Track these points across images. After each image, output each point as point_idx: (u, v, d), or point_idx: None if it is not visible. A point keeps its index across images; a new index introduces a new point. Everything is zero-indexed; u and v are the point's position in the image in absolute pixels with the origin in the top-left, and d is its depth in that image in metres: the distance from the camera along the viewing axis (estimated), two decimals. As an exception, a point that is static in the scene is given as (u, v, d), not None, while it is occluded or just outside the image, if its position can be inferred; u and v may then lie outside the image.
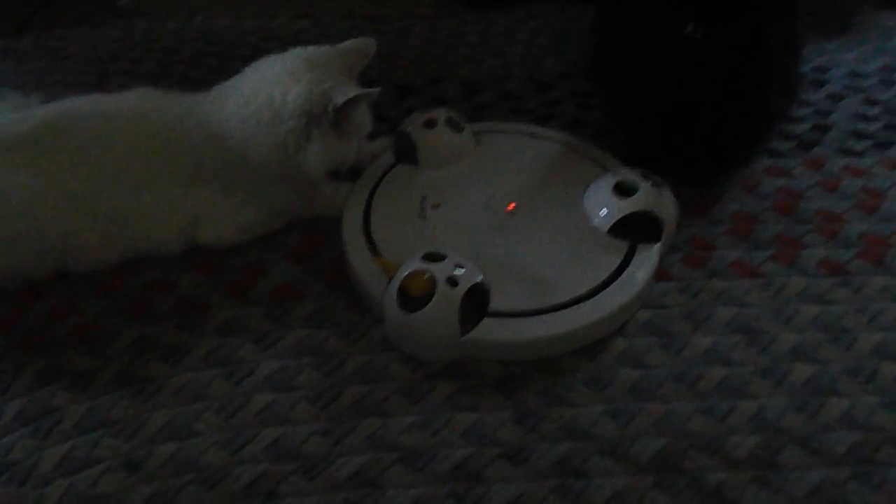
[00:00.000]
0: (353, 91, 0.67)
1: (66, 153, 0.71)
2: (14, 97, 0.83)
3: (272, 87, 0.71)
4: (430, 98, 1.02)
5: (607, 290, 0.70)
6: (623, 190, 0.76)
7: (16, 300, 0.74)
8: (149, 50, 1.11)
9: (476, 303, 0.67)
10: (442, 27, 1.18)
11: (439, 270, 0.67)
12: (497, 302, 0.68)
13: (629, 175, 0.77)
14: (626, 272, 0.72)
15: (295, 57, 0.74)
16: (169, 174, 0.73)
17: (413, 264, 0.68)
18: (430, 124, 0.84)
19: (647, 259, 0.73)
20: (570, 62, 1.08)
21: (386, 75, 1.06)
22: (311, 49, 0.75)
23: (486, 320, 0.67)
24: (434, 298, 0.65)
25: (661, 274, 0.75)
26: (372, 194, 0.81)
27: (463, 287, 0.66)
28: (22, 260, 0.71)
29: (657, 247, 0.74)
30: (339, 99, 0.67)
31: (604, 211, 0.76)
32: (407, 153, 0.84)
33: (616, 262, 0.73)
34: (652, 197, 0.75)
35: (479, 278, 0.68)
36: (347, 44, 0.75)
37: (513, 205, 0.79)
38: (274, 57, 0.75)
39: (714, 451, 0.61)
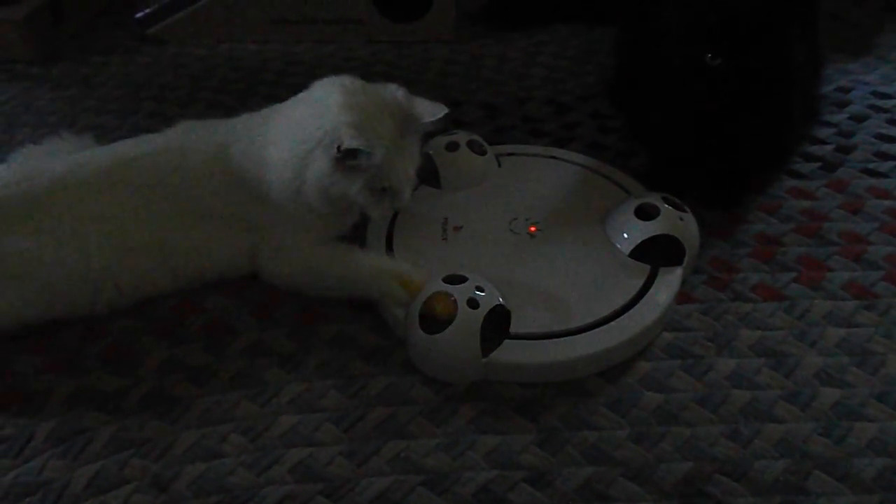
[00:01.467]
0: (362, 143, 0.67)
1: (124, 198, 0.72)
2: (70, 138, 0.84)
3: (312, 111, 0.71)
4: (451, 121, 1.03)
5: (629, 312, 0.70)
6: (644, 213, 0.76)
7: (46, 323, 0.75)
8: (178, 76, 1.14)
9: (497, 325, 0.68)
10: (462, 50, 1.19)
11: (460, 292, 0.67)
12: (519, 324, 0.69)
13: (650, 198, 0.77)
14: (648, 295, 0.72)
15: (356, 91, 0.72)
16: (221, 205, 0.74)
17: (435, 286, 0.68)
18: (453, 147, 0.86)
19: (670, 282, 0.73)
20: (591, 85, 1.09)
21: (408, 99, 1.08)
22: (379, 87, 0.73)
23: (508, 342, 0.68)
24: (455, 320, 0.66)
25: (683, 296, 0.75)
26: (395, 216, 0.82)
27: (484, 309, 0.67)
28: (78, 302, 0.72)
29: (679, 269, 0.74)
30: (346, 142, 0.67)
31: (625, 234, 0.76)
32: (429, 175, 0.86)
33: (638, 284, 0.73)
34: (673, 220, 0.75)
35: (500, 300, 0.68)
36: (419, 101, 0.73)
37: (534, 227, 0.79)
38: (343, 83, 0.73)
39: (740, 476, 0.61)
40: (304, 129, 0.70)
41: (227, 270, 0.77)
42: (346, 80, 0.73)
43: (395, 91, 0.72)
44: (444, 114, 0.72)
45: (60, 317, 0.73)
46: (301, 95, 0.75)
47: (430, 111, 0.72)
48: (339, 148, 0.67)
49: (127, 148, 0.77)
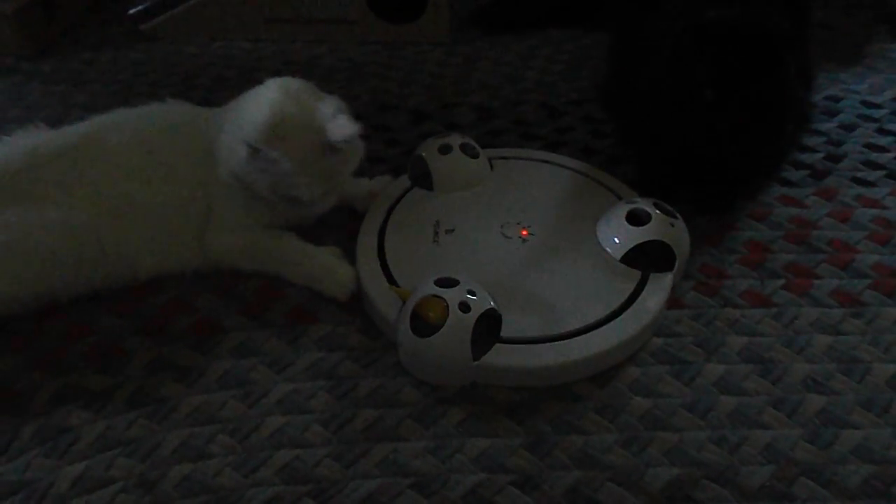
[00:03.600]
0: (264, 145, 0.69)
1: (100, 161, 0.75)
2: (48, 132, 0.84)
3: (251, 104, 0.74)
4: (445, 123, 1.03)
5: (620, 317, 0.71)
6: (635, 219, 0.76)
7: (32, 320, 0.75)
8: (170, 73, 1.13)
9: (488, 328, 0.68)
10: (457, 53, 1.20)
11: (452, 296, 0.67)
12: (510, 328, 0.69)
13: (641, 204, 0.78)
14: (638, 300, 0.72)
15: (298, 92, 0.74)
16: (191, 178, 0.77)
17: (426, 289, 0.68)
18: (446, 150, 0.86)
19: (660, 287, 0.73)
20: (584, 89, 1.10)
21: (400, 100, 1.08)
22: (323, 98, 0.75)
23: (498, 346, 0.68)
24: (446, 323, 0.66)
25: (673, 302, 0.75)
26: (387, 218, 0.82)
27: (475, 313, 0.66)
28: (59, 275, 0.73)
29: (670, 275, 0.74)
30: (251, 140, 0.69)
31: (616, 239, 0.76)
32: (422, 178, 0.86)
33: (629, 289, 0.73)
34: (664, 226, 0.75)
35: (491, 304, 0.68)
36: (339, 118, 0.72)
37: (526, 231, 0.79)
38: (291, 84, 0.76)
39: (727, 481, 0.61)
40: (241, 119, 0.73)
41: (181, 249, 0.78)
42: (293, 84, 0.75)
43: (330, 104, 0.73)
44: (354, 133, 0.71)
45: (50, 296, 0.73)
46: (255, 88, 0.77)
47: (337, 131, 0.71)
48: (248, 144, 0.70)
49: (109, 116, 0.80)
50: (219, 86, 1.10)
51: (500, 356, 0.67)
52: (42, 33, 1.18)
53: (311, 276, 0.77)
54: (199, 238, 0.78)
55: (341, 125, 0.72)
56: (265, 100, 0.73)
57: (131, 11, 1.22)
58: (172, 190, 0.76)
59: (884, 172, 0.93)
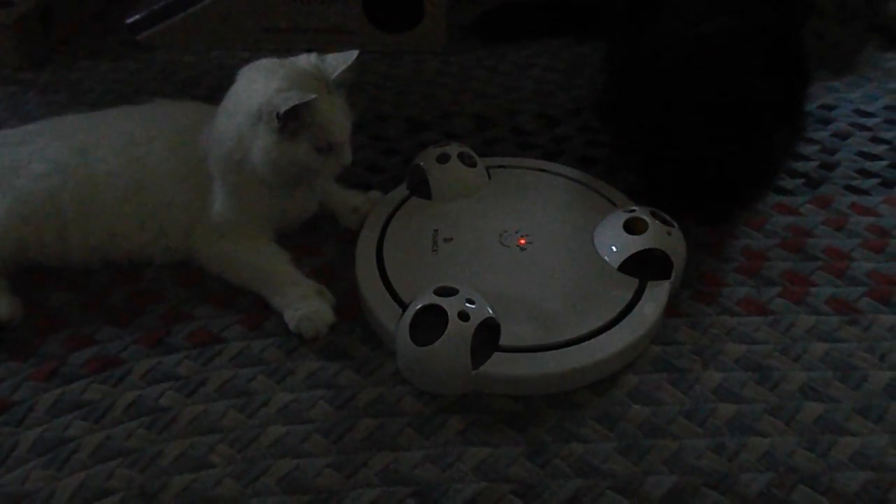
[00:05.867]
0: (296, 98, 0.69)
1: (97, 137, 0.80)
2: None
3: (243, 92, 0.75)
4: (442, 132, 1.03)
5: (618, 326, 0.71)
6: (632, 227, 0.77)
7: (32, 329, 0.75)
8: (167, 82, 1.13)
9: (487, 337, 0.68)
10: (453, 62, 1.20)
11: (451, 304, 0.67)
12: (508, 336, 0.69)
13: (638, 212, 0.78)
14: (636, 308, 0.73)
15: (276, 65, 0.76)
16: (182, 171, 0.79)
17: (425, 298, 0.69)
18: (444, 159, 0.86)
19: (658, 295, 0.74)
20: (581, 99, 1.10)
21: (398, 109, 1.08)
22: (294, 59, 0.77)
23: (497, 355, 0.68)
24: (445, 332, 0.66)
25: (671, 310, 0.76)
26: (385, 227, 0.82)
27: (474, 321, 0.67)
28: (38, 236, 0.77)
29: (667, 283, 0.75)
30: (283, 106, 0.69)
31: (614, 248, 0.77)
32: (420, 187, 0.86)
33: (627, 298, 0.73)
34: (661, 235, 0.76)
35: (490, 313, 0.68)
36: (330, 56, 0.76)
37: (524, 240, 0.80)
38: (263, 63, 0.77)
39: (726, 489, 0.61)
40: (238, 109, 0.74)
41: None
42: (265, 62, 0.77)
43: (308, 57, 0.76)
44: (354, 58, 0.75)
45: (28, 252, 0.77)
46: (235, 84, 0.78)
47: (341, 61, 0.75)
48: (278, 115, 0.70)
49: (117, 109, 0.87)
50: (216, 94, 1.10)
51: (499, 365, 0.68)
52: (40, 44, 1.18)
53: (286, 304, 0.74)
54: (187, 232, 0.79)
55: (339, 57, 0.75)
56: (258, 78, 0.74)
57: (128, 21, 1.22)
58: (165, 169, 0.78)
59: (878, 180, 0.94)
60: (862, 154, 0.99)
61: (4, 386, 0.69)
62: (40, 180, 0.77)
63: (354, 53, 0.75)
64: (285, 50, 1.21)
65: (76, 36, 1.26)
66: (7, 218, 0.75)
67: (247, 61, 1.18)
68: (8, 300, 0.74)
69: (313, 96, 0.70)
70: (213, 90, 1.11)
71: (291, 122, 0.71)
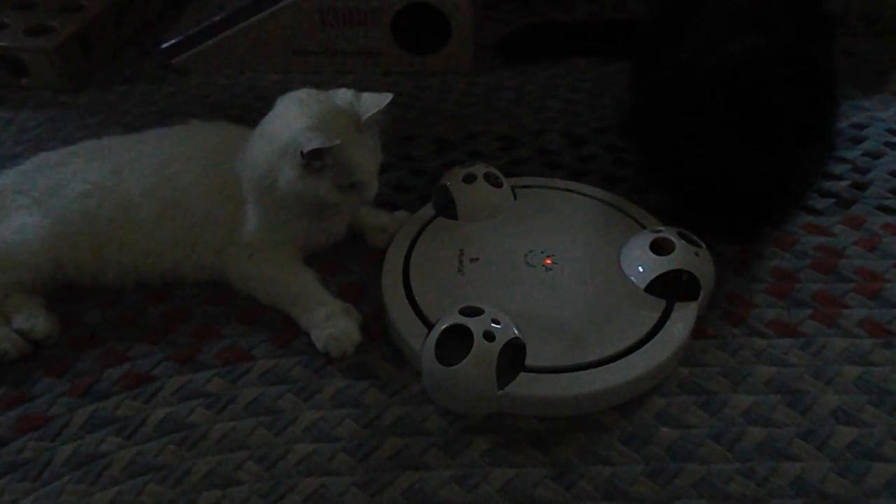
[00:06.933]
0: (320, 142, 0.71)
1: (134, 158, 0.83)
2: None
3: (278, 121, 0.77)
4: (468, 152, 1.04)
5: (645, 347, 0.71)
6: (659, 248, 0.76)
7: (68, 346, 0.77)
8: (201, 104, 1.16)
9: (512, 357, 0.68)
10: (480, 82, 1.21)
11: (476, 324, 0.68)
12: (534, 357, 0.69)
13: (665, 233, 0.78)
14: (663, 329, 0.72)
15: (312, 98, 0.77)
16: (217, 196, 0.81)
17: (451, 318, 0.69)
18: (470, 179, 0.87)
19: (685, 317, 0.73)
20: (606, 118, 1.10)
21: (425, 129, 1.10)
22: (331, 93, 0.78)
23: (522, 375, 0.68)
24: (471, 352, 0.66)
25: (699, 331, 0.75)
26: (411, 247, 0.83)
27: (500, 342, 0.67)
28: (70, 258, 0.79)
29: (695, 304, 0.74)
30: (306, 146, 0.71)
31: (640, 268, 0.76)
32: (446, 207, 0.87)
33: (654, 319, 0.73)
34: (688, 255, 0.75)
35: (516, 333, 0.68)
36: (365, 95, 0.77)
37: (550, 260, 0.80)
38: (301, 94, 0.78)
39: (756, 516, 0.60)
40: (270, 137, 0.76)
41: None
42: (303, 93, 0.78)
43: (344, 94, 0.77)
44: (387, 102, 0.76)
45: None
46: (272, 111, 0.79)
47: (375, 103, 0.76)
48: (302, 153, 0.71)
49: (152, 130, 0.90)
50: (247, 115, 1.12)
51: (524, 385, 0.67)
52: (79, 68, 1.22)
53: (314, 324, 0.75)
54: (218, 251, 0.80)
55: (370, 99, 0.76)
56: (290, 112, 0.75)
57: (163, 46, 1.26)
58: (201, 191, 0.80)
59: (911, 200, 0.92)
60: (894, 174, 0.97)
61: (41, 402, 0.71)
62: (79, 201, 0.79)
63: (388, 97, 0.76)
64: (313, 72, 1.24)
65: (113, 60, 1.30)
66: (47, 237, 0.78)
67: (277, 83, 1.22)
68: (45, 317, 0.76)
69: (337, 142, 0.71)
70: (245, 111, 1.14)
71: (315, 161, 0.72)
